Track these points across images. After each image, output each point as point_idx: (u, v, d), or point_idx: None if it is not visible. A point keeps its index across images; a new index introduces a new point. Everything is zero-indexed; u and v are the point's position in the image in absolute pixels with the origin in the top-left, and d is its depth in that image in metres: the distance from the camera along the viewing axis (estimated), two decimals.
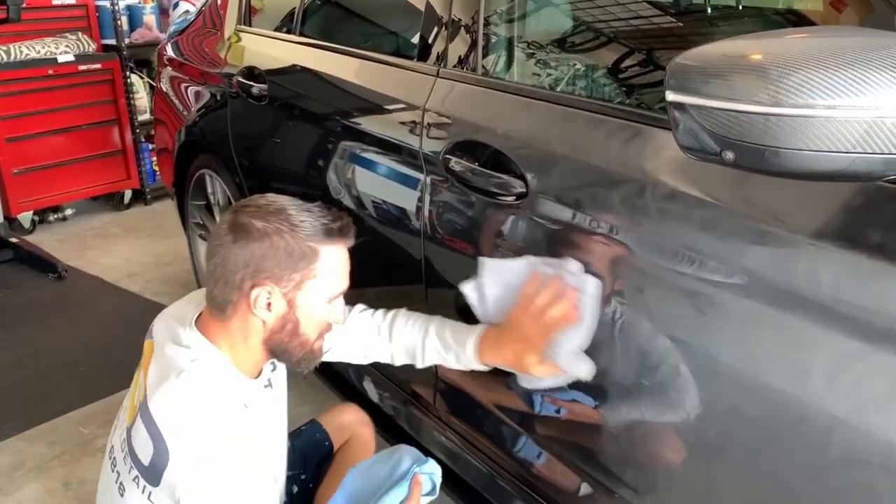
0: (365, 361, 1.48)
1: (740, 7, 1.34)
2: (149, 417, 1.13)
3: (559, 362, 1.19)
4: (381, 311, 1.48)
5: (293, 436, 1.60)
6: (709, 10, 1.34)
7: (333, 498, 1.36)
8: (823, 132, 0.73)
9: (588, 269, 1.18)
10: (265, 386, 1.31)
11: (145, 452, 1.12)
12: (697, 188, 1.02)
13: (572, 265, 1.18)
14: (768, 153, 0.76)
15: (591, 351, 1.20)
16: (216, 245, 1.16)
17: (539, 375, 1.24)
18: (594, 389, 1.24)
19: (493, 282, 1.28)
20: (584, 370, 1.18)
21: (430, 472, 1.32)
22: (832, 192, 0.89)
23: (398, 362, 1.45)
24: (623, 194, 1.13)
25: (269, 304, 1.16)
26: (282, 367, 1.38)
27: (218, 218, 2.58)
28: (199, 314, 1.24)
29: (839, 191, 0.88)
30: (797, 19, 1.24)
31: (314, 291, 1.19)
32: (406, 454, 1.37)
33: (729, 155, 0.78)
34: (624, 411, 1.21)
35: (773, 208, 0.95)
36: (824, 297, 0.88)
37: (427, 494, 1.32)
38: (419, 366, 1.42)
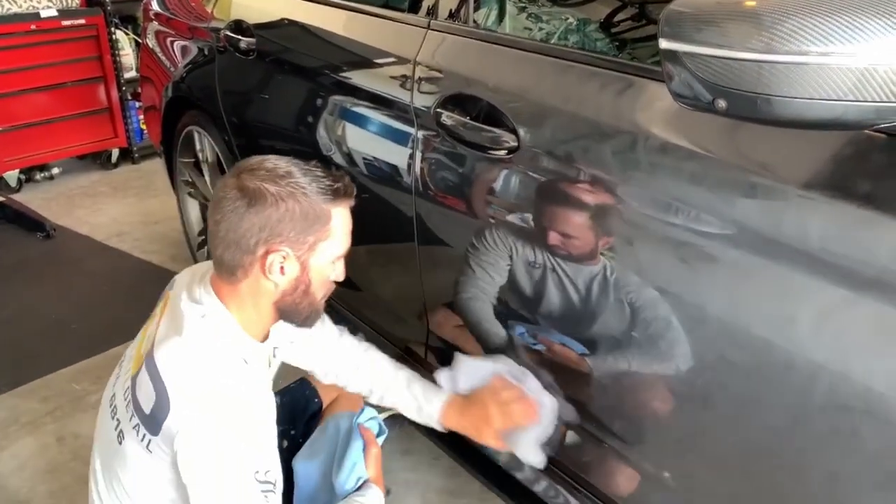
0: (324, 380, 1.56)
1: None
2: (154, 368, 1.15)
3: (516, 450, 1.37)
4: (355, 341, 1.57)
5: (281, 393, 1.61)
6: None
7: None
8: (816, 80, 0.73)
9: (582, 223, 1.19)
10: (269, 366, 1.34)
11: (147, 401, 1.14)
12: (689, 140, 1.02)
13: (532, 383, 1.36)
14: (760, 101, 0.76)
15: (581, 304, 1.21)
16: (227, 210, 1.14)
17: (492, 447, 1.42)
18: (586, 340, 1.26)
19: (465, 375, 1.46)
20: (537, 461, 1.36)
21: (371, 417, 1.39)
22: (821, 142, 0.89)
23: (353, 390, 1.55)
24: (615, 146, 1.13)
25: (282, 268, 1.17)
26: (278, 356, 1.42)
27: (207, 175, 2.57)
28: (211, 277, 1.25)
29: (829, 141, 0.88)
30: None
31: (325, 252, 1.20)
32: (340, 418, 1.42)
33: (721, 103, 0.78)
34: (614, 361, 1.22)
35: (763, 159, 0.95)
36: (814, 246, 0.89)
37: (379, 435, 1.39)
38: (373, 401, 1.54)
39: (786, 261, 0.91)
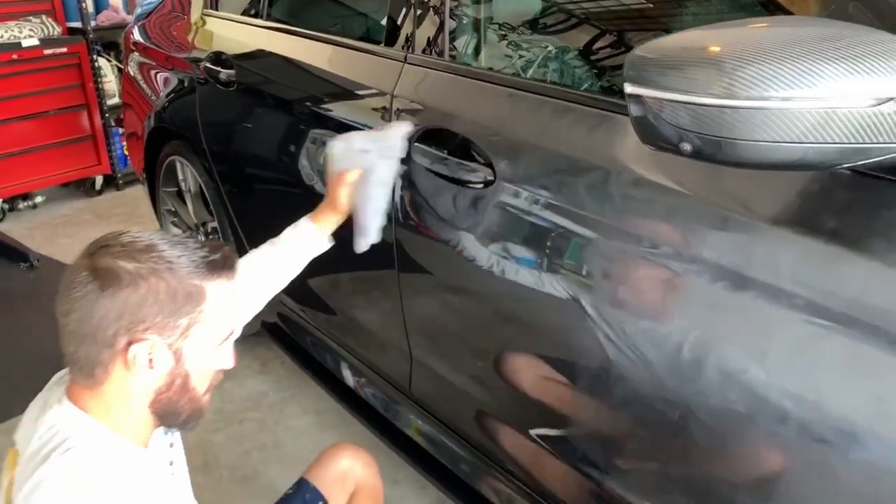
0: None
1: None
2: None
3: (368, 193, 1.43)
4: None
5: None
6: None
7: None
8: (779, 123, 0.74)
9: (553, 257, 1.20)
10: (170, 463, 1.15)
11: None
12: (661, 176, 1.04)
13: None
14: (725, 144, 0.77)
15: (558, 335, 1.22)
16: (77, 296, 0.95)
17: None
18: (564, 364, 1.27)
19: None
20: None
21: None
22: (789, 178, 0.90)
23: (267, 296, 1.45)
24: (589, 181, 1.14)
25: (150, 361, 0.97)
26: (179, 445, 1.21)
27: (189, 204, 2.57)
28: (68, 386, 1.03)
29: (796, 177, 0.90)
30: (767, 1, 1.24)
31: (203, 337, 1.01)
32: None
33: (686, 146, 0.79)
34: (592, 386, 1.23)
35: (734, 195, 0.96)
36: (784, 281, 0.90)
37: None
38: (283, 281, 1.46)
39: (758, 296, 0.93)
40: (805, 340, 0.89)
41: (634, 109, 0.82)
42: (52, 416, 0.99)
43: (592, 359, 1.20)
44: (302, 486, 1.38)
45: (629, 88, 0.81)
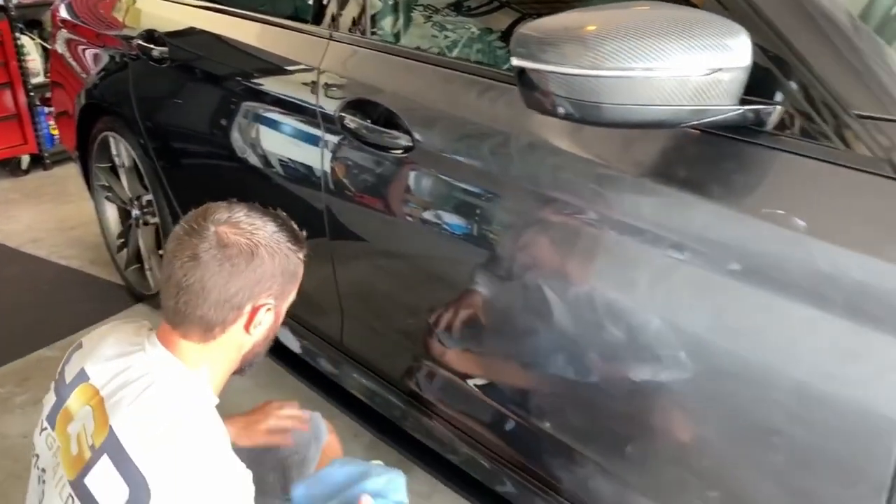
0: None
1: None
2: (122, 457, 1.01)
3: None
4: None
5: None
6: None
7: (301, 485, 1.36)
8: (640, 89, 0.91)
9: (465, 214, 1.36)
10: None
11: (116, 497, 1.00)
12: (550, 138, 1.21)
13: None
14: (591, 107, 0.94)
15: (473, 286, 1.39)
16: (220, 267, 1.06)
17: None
18: (480, 323, 1.43)
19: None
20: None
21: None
22: (651, 138, 1.09)
23: None
24: (491, 145, 1.30)
25: (260, 321, 1.14)
26: None
27: (124, 179, 2.63)
28: (158, 332, 1.14)
29: (656, 137, 1.08)
30: None
31: (290, 299, 1.20)
32: (374, 474, 1.33)
33: (561, 110, 0.95)
34: (511, 336, 1.40)
35: (607, 153, 1.14)
36: (646, 223, 1.08)
37: None
38: None
39: (627, 235, 1.11)
40: (663, 271, 1.08)
41: (519, 79, 0.98)
42: (147, 359, 1.10)
43: (506, 305, 1.37)
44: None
45: (515, 62, 0.97)
